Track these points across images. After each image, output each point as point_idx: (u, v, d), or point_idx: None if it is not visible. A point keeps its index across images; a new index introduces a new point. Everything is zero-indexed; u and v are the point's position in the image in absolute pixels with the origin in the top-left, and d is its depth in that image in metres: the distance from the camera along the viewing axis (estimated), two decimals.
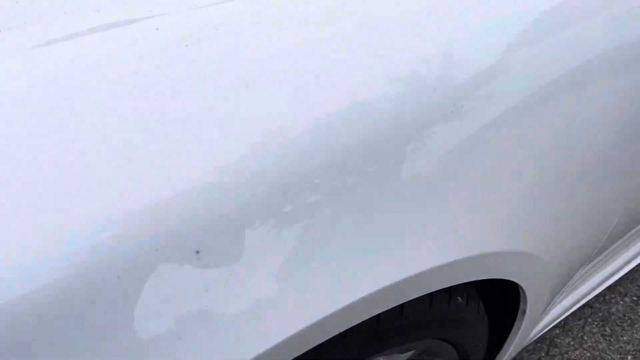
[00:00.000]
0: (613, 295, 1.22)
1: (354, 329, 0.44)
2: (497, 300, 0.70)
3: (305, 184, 0.37)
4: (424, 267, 0.43)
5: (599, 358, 1.12)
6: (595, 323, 1.18)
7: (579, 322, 1.19)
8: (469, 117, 0.43)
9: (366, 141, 0.39)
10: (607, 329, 1.17)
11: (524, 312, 0.72)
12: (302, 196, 0.37)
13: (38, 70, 0.37)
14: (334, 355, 0.48)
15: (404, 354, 0.65)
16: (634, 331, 1.16)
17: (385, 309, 0.44)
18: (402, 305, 0.50)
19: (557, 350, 1.15)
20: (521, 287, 0.64)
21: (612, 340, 1.16)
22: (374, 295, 0.40)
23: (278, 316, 0.37)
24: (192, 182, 0.34)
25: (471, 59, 0.43)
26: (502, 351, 0.81)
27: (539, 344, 1.15)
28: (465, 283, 0.53)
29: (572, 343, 1.16)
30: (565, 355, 1.14)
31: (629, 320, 1.18)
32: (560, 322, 1.12)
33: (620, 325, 1.18)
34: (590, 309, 1.20)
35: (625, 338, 1.15)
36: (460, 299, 0.58)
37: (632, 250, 0.99)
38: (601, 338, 1.16)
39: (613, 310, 1.20)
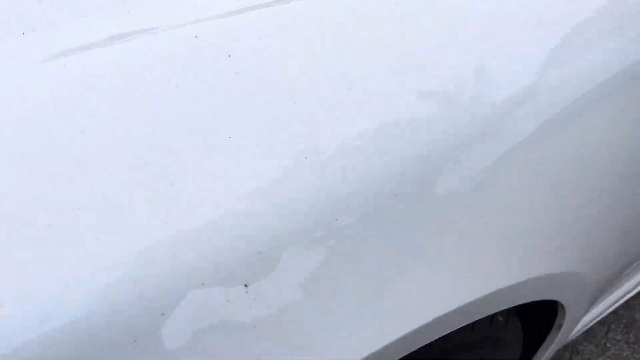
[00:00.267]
0: (637, 302, 1.19)
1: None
2: (532, 314, 0.68)
3: (341, 206, 0.35)
4: (477, 295, 0.41)
5: None
6: (619, 330, 1.16)
7: (602, 328, 1.16)
8: (504, 137, 0.40)
9: (400, 161, 0.36)
10: (631, 336, 1.15)
11: (560, 326, 0.69)
12: (340, 221, 0.35)
13: (62, 83, 0.35)
14: None
15: None
16: None
17: (439, 336, 0.41)
18: None
19: (579, 357, 1.13)
20: (561, 304, 0.62)
21: (636, 347, 1.13)
22: (433, 322, 0.38)
23: (339, 347, 0.34)
24: (241, 207, 0.32)
25: (506, 80, 0.40)
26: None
27: (561, 351, 1.12)
28: None
29: (595, 350, 1.14)
30: None
31: None
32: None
33: None
34: (614, 315, 1.17)
35: None
36: (500, 318, 0.55)
37: None
38: (625, 345, 1.13)
39: (637, 316, 1.17)
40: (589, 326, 0.91)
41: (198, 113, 0.34)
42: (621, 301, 0.94)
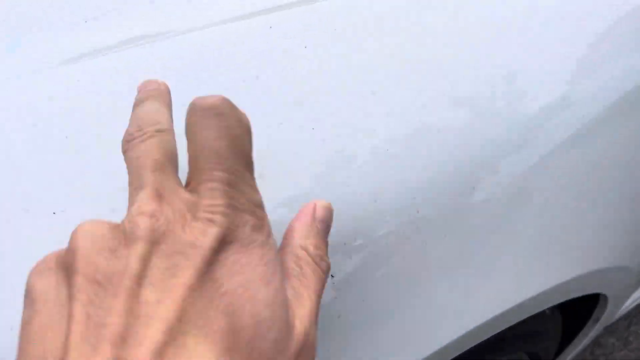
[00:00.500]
0: None
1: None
2: (572, 305, 0.68)
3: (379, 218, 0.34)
4: (534, 292, 0.42)
5: None
6: None
7: (624, 322, 1.16)
8: (539, 144, 0.40)
9: (436, 170, 0.36)
10: None
11: (598, 319, 0.70)
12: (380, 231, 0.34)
13: (77, 87, 0.34)
14: None
15: None
16: None
17: (498, 331, 0.41)
18: None
19: (601, 350, 1.13)
20: (603, 296, 0.62)
21: None
22: (498, 316, 0.38)
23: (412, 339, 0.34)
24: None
25: (539, 89, 0.39)
26: (564, 352, 0.79)
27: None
28: None
29: (616, 344, 1.14)
30: (610, 356, 1.12)
31: None
32: None
33: None
34: (635, 308, 1.18)
35: None
36: (547, 311, 0.56)
37: None
38: None
39: None
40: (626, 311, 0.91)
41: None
42: None
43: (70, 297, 0.18)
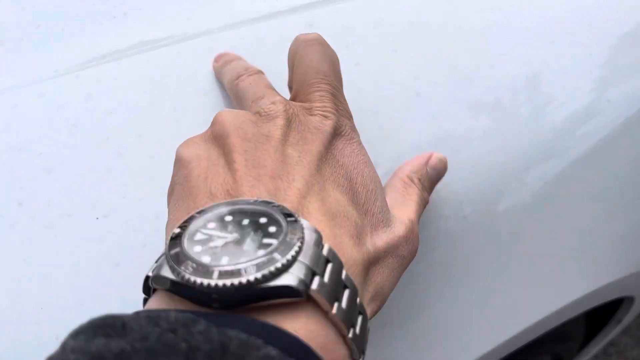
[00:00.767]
0: None
1: None
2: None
3: None
4: (570, 299, 0.41)
5: None
6: None
7: (637, 320, 1.16)
8: (572, 152, 0.39)
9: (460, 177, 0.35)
10: None
11: (620, 321, 0.69)
12: None
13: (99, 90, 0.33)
14: None
15: None
16: None
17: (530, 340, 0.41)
18: None
19: (615, 348, 1.13)
20: (628, 298, 0.61)
21: None
22: (531, 327, 0.38)
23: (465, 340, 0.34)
24: None
25: (565, 97, 0.38)
26: (583, 352, 0.79)
27: None
28: None
29: (629, 342, 1.14)
30: (623, 355, 1.12)
31: None
32: None
33: None
34: None
35: None
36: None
37: None
38: None
39: None
40: None
41: None
42: None
43: (228, 151, 0.23)
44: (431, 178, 0.30)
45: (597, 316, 0.70)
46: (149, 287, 0.20)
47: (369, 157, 0.26)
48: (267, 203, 0.20)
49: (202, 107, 0.32)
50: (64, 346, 0.16)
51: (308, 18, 0.36)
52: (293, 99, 0.28)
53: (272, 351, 0.16)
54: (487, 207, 0.35)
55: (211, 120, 0.25)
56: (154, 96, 0.32)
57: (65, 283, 0.27)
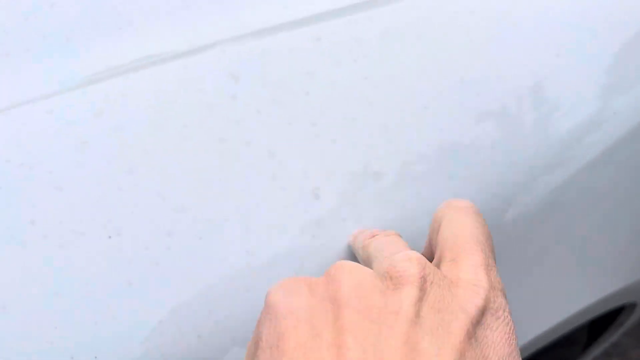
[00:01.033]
0: None
1: None
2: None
3: None
4: (576, 308, 0.42)
5: None
6: None
7: (637, 320, 1.16)
8: (575, 161, 0.39)
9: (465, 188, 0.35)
10: None
11: (621, 324, 0.70)
12: None
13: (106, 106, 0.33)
14: None
15: None
16: None
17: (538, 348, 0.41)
18: None
19: (615, 349, 1.13)
20: (630, 304, 0.62)
21: None
22: (540, 336, 0.38)
23: None
24: None
25: (571, 107, 0.38)
26: (586, 353, 0.79)
27: None
28: None
29: (630, 342, 1.14)
30: (624, 355, 1.13)
31: None
32: None
33: None
34: None
35: None
36: None
37: None
38: None
39: None
40: None
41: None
42: None
43: (341, 327, 0.18)
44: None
45: (599, 320, 0.71)
46: None
47: (517, 343, 0.21)
48: None
49: (212, 122, 0.32)
50: None
51: (315, 30, 0.36)
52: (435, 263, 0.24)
53: None
54: (492, 217, 0.35)
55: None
56: (162, 112, 0.32)
57: (79, 301, 0.27)
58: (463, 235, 0.23)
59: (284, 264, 0.30)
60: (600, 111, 0.39)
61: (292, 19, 0.37)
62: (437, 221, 0.25)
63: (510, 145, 0.36)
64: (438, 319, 0.19)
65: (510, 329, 0.21)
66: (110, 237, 0.28)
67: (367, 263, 0.26)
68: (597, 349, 0.77)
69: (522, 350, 0.40)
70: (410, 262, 0.20)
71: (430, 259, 0.25)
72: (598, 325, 0.72)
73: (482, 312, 0.20)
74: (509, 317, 0.21)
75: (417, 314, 0.19)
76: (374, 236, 0.27)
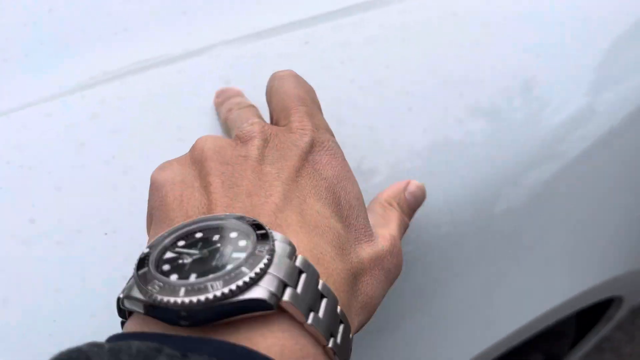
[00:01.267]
0: None
1: None
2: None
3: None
4: (561, 299, 0.43)
5: None
6: None
7: (630, 316, 1.18)
8: (561, 156, 0.40)
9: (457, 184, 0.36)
10: None
11: (610, 318, 0.71)
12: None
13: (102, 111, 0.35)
14: None
15: None
16: None
17: (522, 339, 0.43)
18: None
19: (609, 344, 1.15)
20: (618, 298, 0.63)
21: None
22: (525, 327, 0.39)
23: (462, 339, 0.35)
24: None
25: (561, 101, 0.40)
26: (576, 348, 0.80)
27: None
28: None
29: (623, 338, 1.15)
30: (617, 351, 1.14)
31: None
32: None
33: None
34: None
35: None
36: None
37: None
38: None
39: None
40: None
41: None
42: None
43: (205, 174, 0.23)
44: (410, 204, 0.31)
45: (588, 314, 0.72)
46: (121, 308, 0.20)
47: (352, 174, 0.27)
48: (240, 218, 0.20)
49: (206, 125, 0.33)
50: None
51: (304, 35, 0.38)
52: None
53: None
54: (479, 211, 0.36)
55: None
56: (157, 114, 0.34)
57: (77, 297, 0.28)
58: (288, 96, 0.28)
59: None
60: (588, 107, 0.40)
61: (281, 23, 0.38)
62: (268, 93, 0.30)
63: (498, 141, 0.37)
64: (278, 155, 0.24)
65: (334, 152, 0.26)
66: (106, 234, 0.29)
67: (227, 136, 0.31)
68: (588, 344, 0.78)
69: (508, 339, 0.41)
70: (252, 125, 0.26)
71: None
72: (587, 319, 0.74)
73: (312, 146, 0.25)
74: (333, 145, 0.26)
75: (262, 155, 0.24)
76: (230, 110, 0.31)
